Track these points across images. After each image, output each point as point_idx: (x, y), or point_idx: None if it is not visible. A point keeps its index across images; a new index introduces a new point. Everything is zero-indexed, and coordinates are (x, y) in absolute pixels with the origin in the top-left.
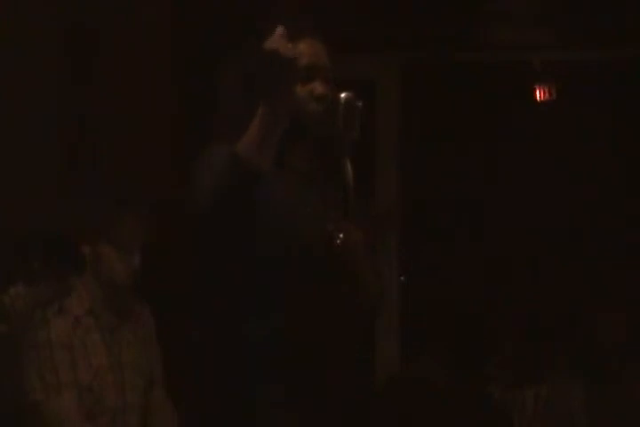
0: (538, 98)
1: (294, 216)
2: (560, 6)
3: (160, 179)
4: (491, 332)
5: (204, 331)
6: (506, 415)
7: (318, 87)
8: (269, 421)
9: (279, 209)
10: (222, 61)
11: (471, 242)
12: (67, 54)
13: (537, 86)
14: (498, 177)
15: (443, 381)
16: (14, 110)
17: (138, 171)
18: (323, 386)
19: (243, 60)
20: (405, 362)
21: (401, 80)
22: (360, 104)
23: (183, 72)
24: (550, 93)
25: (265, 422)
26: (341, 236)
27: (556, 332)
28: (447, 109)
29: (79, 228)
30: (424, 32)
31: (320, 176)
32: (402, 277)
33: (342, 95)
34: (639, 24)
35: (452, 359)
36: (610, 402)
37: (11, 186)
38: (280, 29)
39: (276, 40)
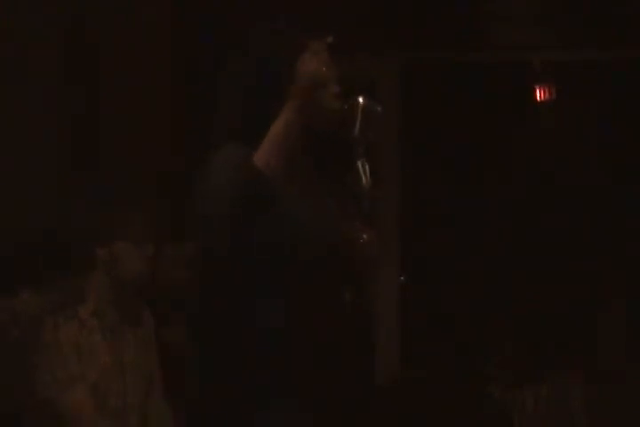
0: (538, 98)
1: (306, 215)
2: (560, 6)
3: (160, 179)
4: (491, 332)
5: (205, 331)
6: (506, 415)
7: (333, 87)
8: (269, 421)
9: (291, 208)
10: (222, 65)
11: (471, 242)
12: (67, 54)
13: (537, 86)
14: (498, 177)
15: (443, 381)
16: (14, 110)
17: (138, 171)
18: (323, 386)
19: (242, 73)
20: (405, 362)
21: (401, 80)
22: (379, 108)
23: (183, 72)
24: (550, 93)
25: (265, 422)
26: (365, 236)
27: (556, 332)
28: (447, 109)
29: (90, 228)
30: (424, 32)
31: (330, 177)
32: (402, 278)
33: (360, 99)
34: (639, 24)
35: (452, 359)
36: (610, 402)
37: (11, 186)
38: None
39: (313, 57)
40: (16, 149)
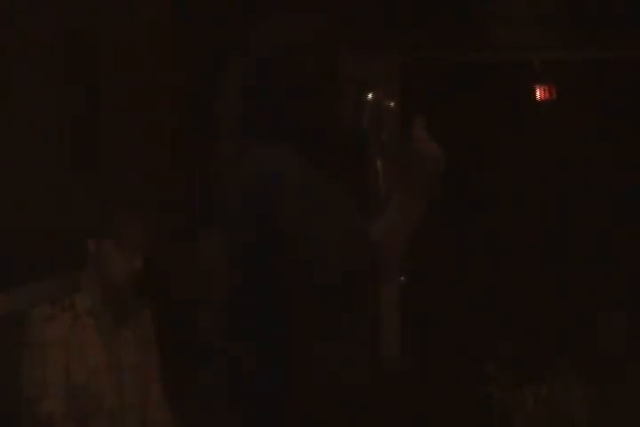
0: (538, 98)
1: (336, 221)
2: (560, 6)
3: (160, 179)
4: (491, 332)
5: (206, 330)
6: (506, 415)
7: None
8: (270, 420)
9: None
10: (222, 65)
11: (471, 242)
12: (67, 54)
13: (537, 86)
14: (497, 177)
15: (443, 381)
16: (14, 110)
17: (138, 171)
18: (323, 385)
19: (242, 74)
20: (405, 362)
21: (401, 80)
22: (392, 104)
23: (183, 72)
24: (550, 93)
25: (265, 421)
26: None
27: (555, 332)
28: (447, 109)
29: (84, 225)
30: (424, 32)
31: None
32: (402, 278)
33: (370, 95)
34: (639, 24)
35: (452, 359)
36: (610, 402)
37: (11, 186)
38: (421, 131)
39: (423, 138)
40: (16, 149)
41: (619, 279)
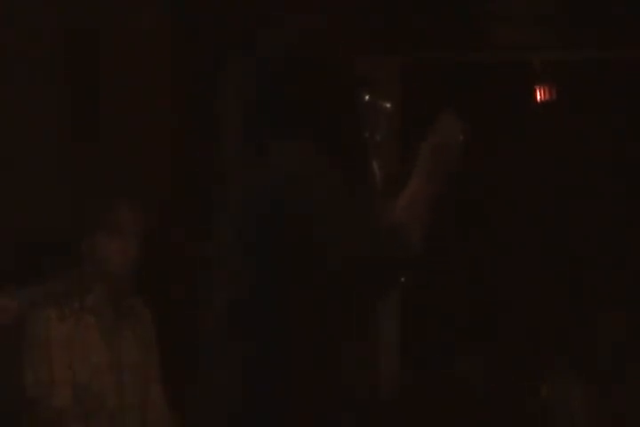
0: (538, 98)
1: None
2: (560, 6)
3: (160, 179)
4: (490, 332)
5: (207, 330)
6: (506, 415)
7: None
8: (270, 420)
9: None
10: (222, 65)
11: (471, 243)
12: (67, 54)
13: (537, 86)
14: (497, 177)
15: (442, 381)
16: (14, 110)
17: (138, 171)
18: (323, 387)
19: (242, 79)
20: (405, 363)
21: (401, 80)
22: (388, 106)
23: (183, 72)
24: (550, 93)
25: (265, 421)
26: None
27: (555, 332)
28: (447, 109)
29: (75, 220)
30: (424, 32)
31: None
32: (402, 278)
33: (366, 96)
34: (639, 24)
35: (452, 359)
36: (610, 402)
37: (11, 186)
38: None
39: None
40: (16, 149)
41: (619, 279)
